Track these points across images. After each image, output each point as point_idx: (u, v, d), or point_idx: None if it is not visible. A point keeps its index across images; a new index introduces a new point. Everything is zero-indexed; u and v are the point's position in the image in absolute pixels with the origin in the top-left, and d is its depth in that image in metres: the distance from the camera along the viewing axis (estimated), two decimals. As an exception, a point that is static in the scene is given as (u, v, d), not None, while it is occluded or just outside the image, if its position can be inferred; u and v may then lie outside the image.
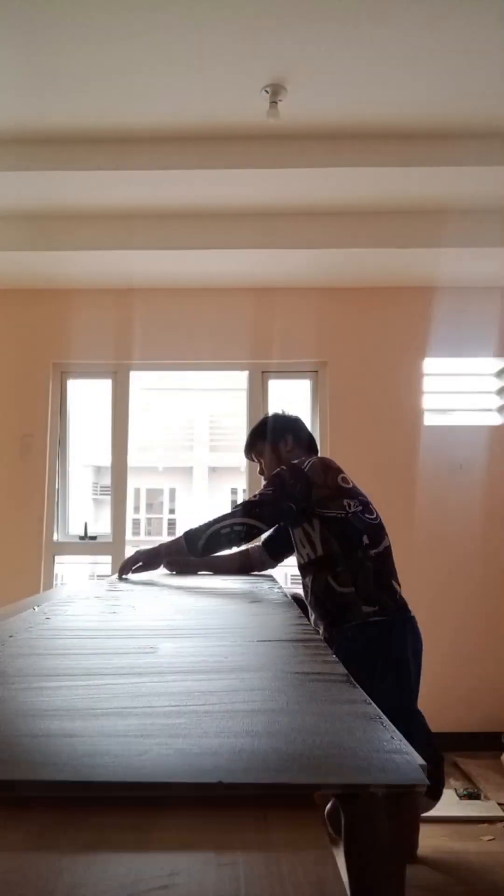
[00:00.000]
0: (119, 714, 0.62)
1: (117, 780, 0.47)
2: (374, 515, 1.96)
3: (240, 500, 2.32)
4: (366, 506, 1.95)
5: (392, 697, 1.77)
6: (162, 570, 2.21)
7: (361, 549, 1.87)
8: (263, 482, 2.12)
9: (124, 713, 0.63)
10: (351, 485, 1.98)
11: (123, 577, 2.10)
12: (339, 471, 2.00)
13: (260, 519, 1.90)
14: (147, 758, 0.51)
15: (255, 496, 1.96)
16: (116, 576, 2.15)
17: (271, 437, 2.16)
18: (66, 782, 0.47)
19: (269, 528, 1.99)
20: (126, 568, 2.10)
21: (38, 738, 0.55)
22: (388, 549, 1.94)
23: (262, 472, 2.22)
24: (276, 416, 2.26)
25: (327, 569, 1.87)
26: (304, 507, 1.90)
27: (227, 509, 2.01)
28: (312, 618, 1.97)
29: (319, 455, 2.14)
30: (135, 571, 2.10)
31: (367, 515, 1.93)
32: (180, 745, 0.53)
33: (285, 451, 2.13)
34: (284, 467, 1.98)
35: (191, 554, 1.98)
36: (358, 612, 1.82)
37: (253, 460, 2.28)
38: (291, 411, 2.30)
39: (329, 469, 1.97)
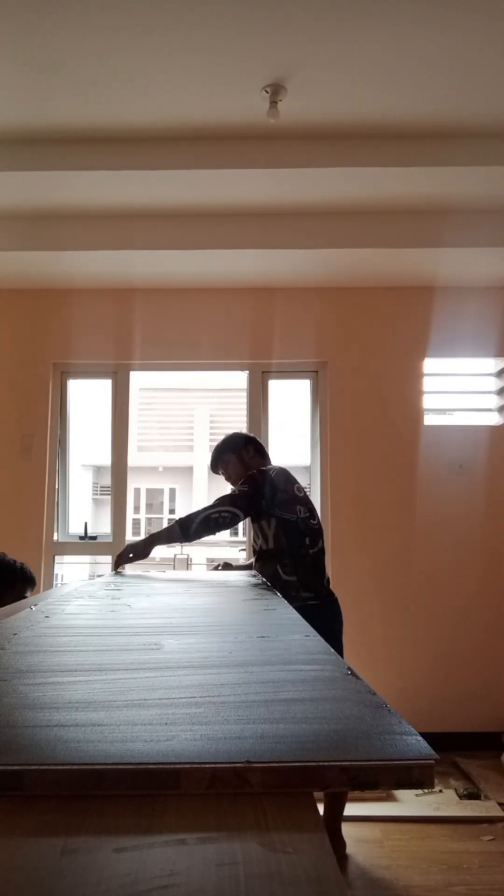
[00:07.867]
0: (139, 705, 0.64)
1: (153, 761, 0.48)
2: (316, 521, 2.39)
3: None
4: (311, 512, 2.37)
5: None
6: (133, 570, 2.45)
7: (304, 547, 2.30)
8: (235, 486, 2.51)
9: (144, 704, 0.64)
10: (303, 494, 2.38)
11: (119, 570, 2.39)
12: (296, 481, 2.41)
13: (241, 509, 2.28)
14: (175, 742, 0.52)
15: (234, 491, 2.35)
16: (111, 571, 2.36)
17: (237, 448, 2.55)
18: (104, 764, 0.49)
19: (245, 517, 2.35)
20: (121, 562, 2.37)
21: (68, 728, 0.57)
22: (322, 550, 2.37)
23: (228, 479, 2.58)
24: (235, 433, 2.67)
25: (276, 559, 2.30)
26: (267, 506, 2.31)
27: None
28: None
29: (278, 465, 2.48)
30: (128, 562, 2.37)
31: (311, 521, 2.35)
32: (205, 731, 0.55)
33: (248, 458, 2.53)
34: (255, 472, 2.37)
35: (183, 538, 2.29)
36: (298, 597, 2.21)
37: (218, 472, 2.62)
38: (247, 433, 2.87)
39: (289, 479, 2.38)
